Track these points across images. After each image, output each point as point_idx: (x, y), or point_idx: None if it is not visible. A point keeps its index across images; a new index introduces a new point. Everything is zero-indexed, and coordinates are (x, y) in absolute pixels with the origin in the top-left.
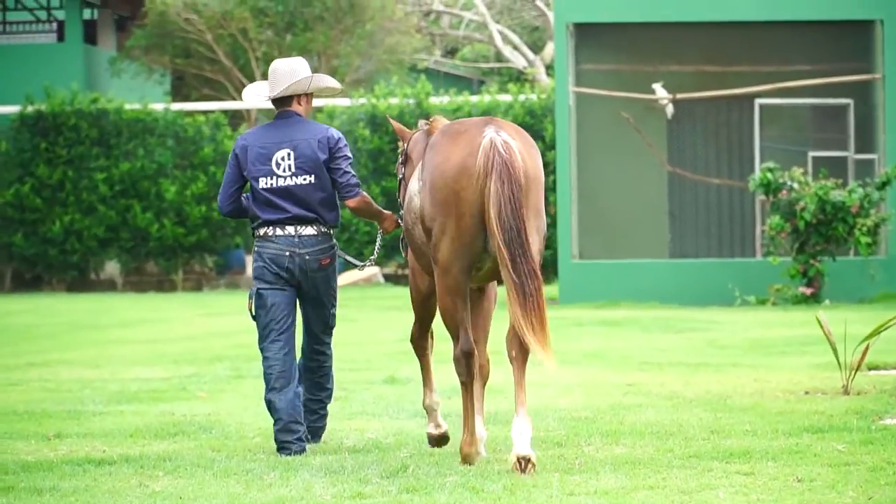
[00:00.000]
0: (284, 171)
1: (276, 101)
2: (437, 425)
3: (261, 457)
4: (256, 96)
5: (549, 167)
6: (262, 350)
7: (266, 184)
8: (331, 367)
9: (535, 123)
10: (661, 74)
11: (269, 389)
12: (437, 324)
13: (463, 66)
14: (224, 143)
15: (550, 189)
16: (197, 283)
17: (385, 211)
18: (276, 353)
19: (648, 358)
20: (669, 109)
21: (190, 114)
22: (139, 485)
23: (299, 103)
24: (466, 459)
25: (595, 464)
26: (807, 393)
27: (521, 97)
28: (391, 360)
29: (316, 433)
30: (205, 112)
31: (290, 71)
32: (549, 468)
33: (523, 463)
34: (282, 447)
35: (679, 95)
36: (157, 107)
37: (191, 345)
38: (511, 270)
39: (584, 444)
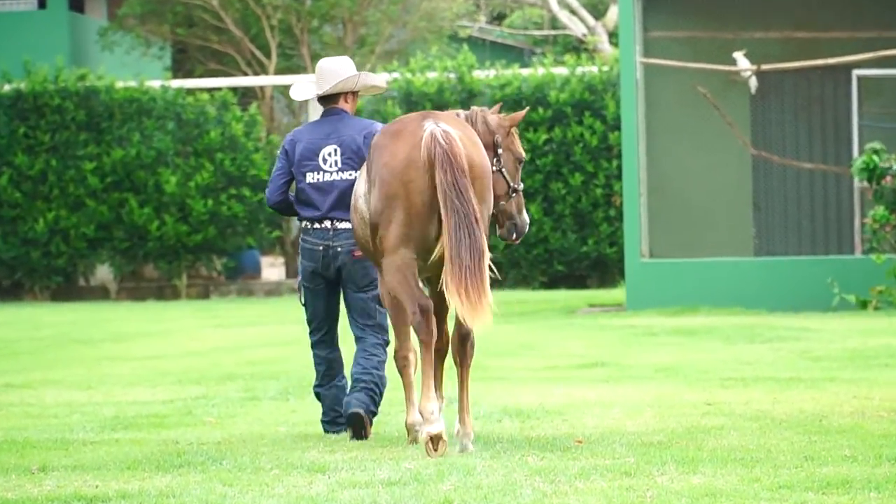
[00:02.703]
0: (331, 166)
1: (322, 99)
2: (414, 440)
3: (279, 492)
4: (304, 93)
5: (614, 151)
6: (311, 346)
7: (312, 178)
8: (381, 364)
9: (596, 100)
10: (744, 42)
11: (316, 384)
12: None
13: (512, 33)
14: (232, 125)
15: (615, 177)
16: (203, 289)
17: None
18: (320, 352)
19: (731, 372)
20: (753, 83)
21: (193, 92)
22: None
23: (346, 101)
24: (423, 413)
25: (670, 496)
26: None
27: (580, 70)
28: None
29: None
30: (210, 90)
31: (337, 69)
32: (617, 501)
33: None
34: (326, 432)
35: (764, 66)
36: (155, 84)
37: (197, 362)
38: (452, 250)
39: (656, 473)
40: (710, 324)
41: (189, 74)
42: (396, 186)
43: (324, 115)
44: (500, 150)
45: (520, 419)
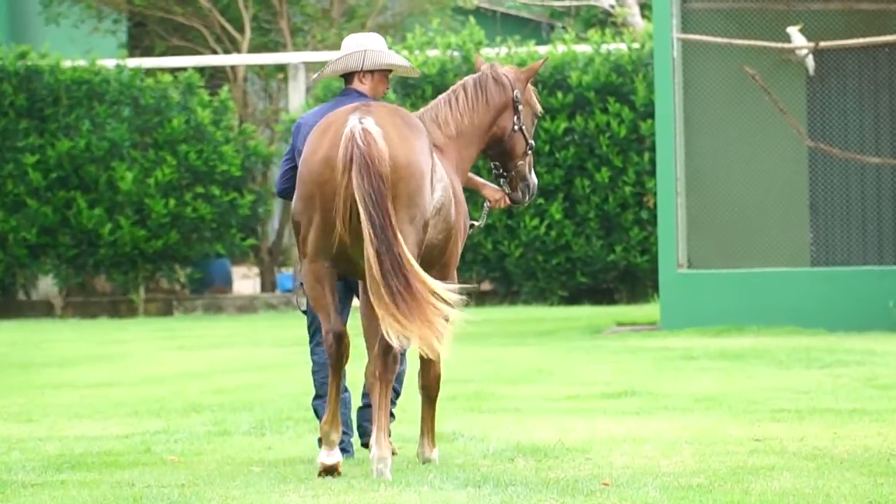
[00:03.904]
0: None
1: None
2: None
3: None
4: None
5: (646, 143)
6: (310, 352)
7: None
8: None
9: (625, 83)
10: (799, 15)
11: (315, 396)
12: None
13: (527, 4)
14: (198, 112)
15: (647, 173)
16: (165, 304)
17: (478, 178)
18: (319, 359)
19: (783, 403)
20: (810, 63)
21: (153, 73)
22: None
23: (361, 81)
24: (326, 438)
25: None
26: None
27: (606, 48)
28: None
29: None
30: (173, 70)
31: (346, 46)
32: None
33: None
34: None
35: (823, 43)
36: (109, 64)
37: (156, 390)
38: (375, 268)
39: None
40: (759, 345)
41: (148, 52)
42: (312, 187)
43: (339, 95)
44: (519, 107)
45: (536, 458)
